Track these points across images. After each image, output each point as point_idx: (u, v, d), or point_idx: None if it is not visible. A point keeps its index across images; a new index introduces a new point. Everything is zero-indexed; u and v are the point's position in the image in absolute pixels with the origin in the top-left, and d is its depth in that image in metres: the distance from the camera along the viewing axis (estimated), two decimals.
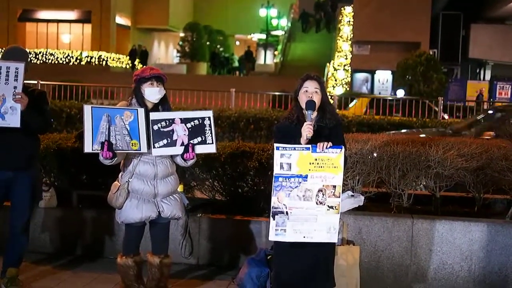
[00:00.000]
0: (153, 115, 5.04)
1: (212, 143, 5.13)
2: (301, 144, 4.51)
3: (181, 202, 5.32)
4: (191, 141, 5.05)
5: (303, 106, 4.70)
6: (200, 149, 5.11)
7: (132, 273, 5.24)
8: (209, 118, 5.13)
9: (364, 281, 5.74)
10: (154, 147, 5.00)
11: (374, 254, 6.15)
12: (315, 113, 4.65)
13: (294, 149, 4.47)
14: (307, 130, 4.51)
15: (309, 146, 4.47)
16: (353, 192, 6.28)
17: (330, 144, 4.46)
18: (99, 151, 4.86)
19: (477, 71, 36.74)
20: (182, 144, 5.06)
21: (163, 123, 5.04)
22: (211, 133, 5.12)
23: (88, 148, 4.88)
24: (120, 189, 5.13)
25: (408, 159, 6.46)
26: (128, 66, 41.02)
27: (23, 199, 5.66)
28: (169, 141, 5.04)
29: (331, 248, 4.78)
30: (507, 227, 6.03)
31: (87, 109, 4.92)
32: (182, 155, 5.06)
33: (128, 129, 4.95)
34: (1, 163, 5.48)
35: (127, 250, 5.28)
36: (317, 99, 4.68)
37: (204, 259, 6.75)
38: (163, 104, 5.21)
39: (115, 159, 4.92)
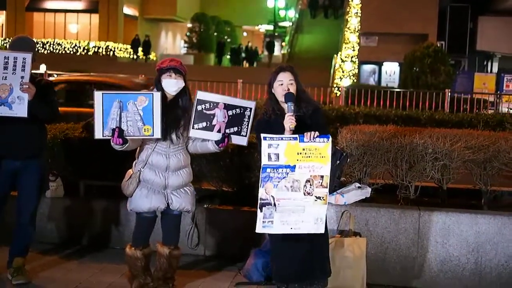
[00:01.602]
0: (200, 95, 5.04)
1: (246, 135, 5.17)
2: None
3: (192, 195, 5.31)
4: (228, 130, 5.08)
5: (280, 99, 4.70)
6: (234, 140, 5.15)
7: (140, 264, 5.25)
8: (250, 109, 5.14)
9: (371, 272, 5.74)
10: (193, 127, 5.03)
11: (381, 246, 6.15)
12: (294, 104, 4.62)
13: (282, 139, 4.44)
14: (289, 122, 4.51)
15: (297, 136, 4.44)
16: (360, 184, 6.29)
17: (317, 133, 4.43)
18: (110, 137, 4.86)
19: (485, 63, 36.61)
20: (219, 130, 5.07)
21: (207, 105, 5.04)
22: (247, 125, 5.14)
23: (98, 134, 4.89)
24: (132, 177, 5.15)
25: (415, 151, 6.44)
26: (134, 56, 40.97)
27: (30, 189, 5.69)
28: (208, 124, 5.06)
29: (325, 238, 4.78)
30: None
31: (97, 95, 4.89)
32: (217, 143, 5.08)
33: (141, 114, 4.91)
34: (8, 152, 5.51)
35: (137, 241, 5.29)
36: (293, 90, 4.67)
37: (210, 250, 6.76)
38: (182, 96, 5.17)
39: (126, 145, 4.92)
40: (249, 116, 5.13)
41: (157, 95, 4.94)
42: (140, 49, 40.89)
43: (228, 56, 44.79)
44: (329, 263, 4.82)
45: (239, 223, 6.66)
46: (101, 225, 7.00)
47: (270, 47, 41.90)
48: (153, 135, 4.96)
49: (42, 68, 22.27)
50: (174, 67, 5.09)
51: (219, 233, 6.75)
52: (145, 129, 4.93)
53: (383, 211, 6.17)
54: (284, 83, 4.69)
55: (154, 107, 4.93)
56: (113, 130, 4.85)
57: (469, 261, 6.05)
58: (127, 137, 4.89)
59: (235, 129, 5.12)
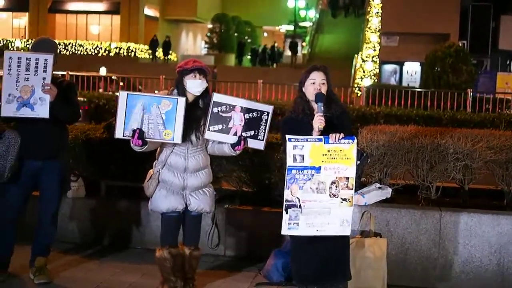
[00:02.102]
0: (216, 97, 5.02)
1: (263, 140, 5.12)
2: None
3: (211, 196, 5.30)
4: (244, 134, 5.04)
5: (310, 98, 4.67)
6: (250, 144, 5.11)
7: (169, 265, 5.21)
8: (268, 113, 5.09)
9: (392, 273, 5.71)
10: (208, 129, 5.01)
11: (402, 246, 6.11)
12: (324, 105, 4.60)
13: (307, 140, 4.42)
14: (318, 122, 4.48)
15: (322, 137, 4.42)
16: (380, 184, 6.26)
17: (342, 135, 4.42)
18: (130, 138, 4.88)
19: (507, 63, 36.30)
20: (235, 133, 5.05)
21: (224, 108, 5.01)
22: (264, 129, 5.10)
23: (119, 134, 4.91)
24: (152, 178, 5.17)
25: (436, 151, 6.41)
26: (150, 57, 41.13)
27: (52, 189, 5.73)
28: (224, 127, 5.03)
29: (347, 241, 4.76)
30: None
31: (122, 95, 4.92)
32: (233, 146, 5.07)
33: (164, 118, 4.91)
34: (31, 153, 5.54)
35: (164, 241, 5.28)
36: (324, 90, 4.65)
37: (230, 250, 6.77)
38: (204, 97, 5.16)
39: (145, 147, 4.94)
40: (266, 120, 5.08)
41: (181, 100, 4.95)
42: (160, 49, 41.03)
43: (249, 57, 44.80)
44: (349, 267, 4.80)
45: (259, 224, 6.67)
46: (122, 225, 7.03)
47: (293, 48, 41.76)
48: (173, 140, 4.97)
49: (103, 71, 22.54)
50: (199, 67, 5.10)
51: (239, 233, 6.76)
52: (165, 133, 4.94)
53: (404, 211, 6.14)
54: (316, 82, 4.68)
55: (177, 112, 4.93)
56: (134, 131, 4.87)
57: (491, 262, 6.00)
58: (146, 139, 4.91)
59: (252, 132, 5.08)
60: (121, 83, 19.47)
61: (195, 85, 5.10)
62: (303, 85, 4.75)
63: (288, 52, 46.56)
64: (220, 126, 5.03)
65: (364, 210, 5.90)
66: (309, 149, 4.41)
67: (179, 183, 5.13)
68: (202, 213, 5.27)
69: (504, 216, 6.01)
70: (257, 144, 5.15)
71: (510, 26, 33.03)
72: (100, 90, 17.98)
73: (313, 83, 4.68)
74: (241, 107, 5.05)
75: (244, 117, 5.05)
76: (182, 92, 5.11)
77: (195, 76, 5.08)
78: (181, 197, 5.15)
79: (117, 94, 15.03)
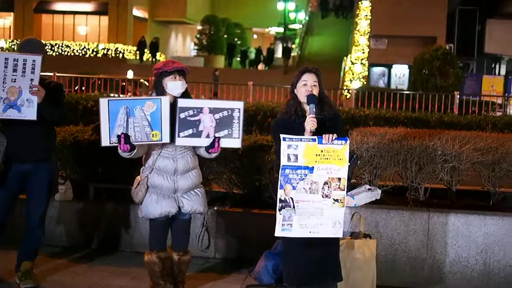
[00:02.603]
0: (181, 102, 4.94)
1: (238, 137, 5.02)
2: None
3: (203, 196, 5.27)
4: (217, 134, 4.96)
5: (302, 99, 4.67)
6: (225, 143, 5.01)
7: (158, 269, 5.19)
8: (239, 110, 5.00)
9: (381, 274, 5.73)
10: (178, 136, 4.93)
11: (391, 247, 6.14)
12: (316, 106, 4.60)
13: (301, 140, 4.44)
14: (311, 123, 4.49)
15: (315, 137, 4.44)
16: (370, 186, 6.28)
17: (335, 135, 4.44)
18: (117, 144, 4.84)
19: (493, 66, 36.54)
20: (208, 136, 4.96)
21: (191, 112, 4.92)
22: (238, 126, 5.00)
23: (105, 142, 4.88)
24: (140, 184, 5.11)
25: (425, 153, 6.44)
26: (146, 58, 41.01)
27: (39, 192, 5.68)
28: (194, 131, 4.94)
29: (337, 242, 4.77)
30: None
31: (103, 102, 4.88)
32: (207, 149, 5.02)
33: (149, 119, 4.87)
34: (18, 155, 5.49)
35: (152, 246, 5.26)
36: (316, 92, 4.66)
37: (221, 252, 6.76)
38: (184, 98, 5.10)
39: (134, 151, 4.89)
40: (238, 117, 4.98)
41: (165, 100, 4.91)
42: (146, 50, 40.91)
43: (238, 59, 44.75)
44: (340, 269, 4.81)
45: (249, 226, 6.67)
46: (111, 228, 7.00)
47: (286, 53, 41.66)
48: (161, 140, 4.92)
49: (130, 75, 22.40)
50: (179, 69, 5.06)
51: (230, 235, 6.76)
52: (153, 134, 4.90)
53: (393, 213, 6.16)
54: (308, 84, 4.68)
55: (162, 112, 4.89)
56: (119, 136, 4.82)
57: (477, 262, 6.04)
58: (134, 143, 4.86)
59: (226, 132, 4.98)
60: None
61: (176, 86, 5.05)
62: (295, 87, 4.76)
63: (277, 54, 46.61)
64: (190, 131, 4.93)
65: (354, 211, 5.91)
66: (303, 149, 4.43)
67: (170, 186, 5.08)
68: (194, 214, 5.24)
69: (491, 216, 6.06)
70: (233, 143, 5.04)
71: (496, 30, 33.25)
72: (129, 94, 17.86)
73: (305, 84, 4.69)
74: (209, 108, 4.95)
75: (214, 118, 4.95)
76: (162, 93, 5.05)
77: (175, 78, 5.04)
78: (173, 200, 5.11)
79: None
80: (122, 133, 4.82)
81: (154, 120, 4.89)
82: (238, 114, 5.00)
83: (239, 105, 5.03)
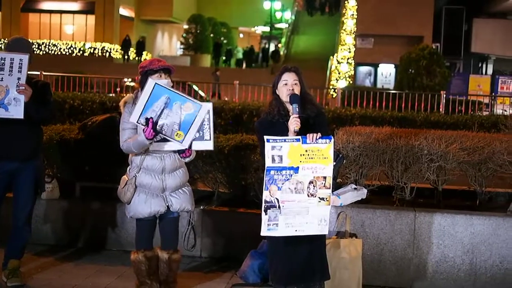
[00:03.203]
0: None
1: (210, 139, 4.97)
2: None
3: (191, 194, 5.27)
4: None
5: (284, 99, 4.67)
6: (197, 146, 4.98)
7: (144, 268, 5.18)
8: (208, 111, 4.94)
9: (367, 273, 5.76)
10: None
11: (377, 247, 6.16)
12: (298, 106, 4.60)
13: (285, 140, 4.43)
14: (294, 124, 4.49)
15: (299, 137, 4.43)
16: (356, 185, 6.30)
17: (319, 135, 4.44)
18: (143, 126, 4.78)
19: (479, 65, 36.73)
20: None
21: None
22: (209, 128, 4.95)
23: (134, 118, 4.80)
24: (128, 183, 5.09)
25: (411, 152, 6.47)
26: (132, 57, 40.87)
27: (26, 190, 5.67)
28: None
29: (323, 241, 4.77)
30: (508, 221, 6.03)
31: (150, 82, 4.81)
32: (179, 153, 5.03)
33: (182, 119, 4.83)
34: (5, 153, 5.49)
35: (139, 245, 5.25)
36: (297, 90, 4.66)
37: (207, 251, 6.77)
38: None
39: (151, 141, 4.85)
40: (208, 119, 4.94)
41: (204, 107, 4.87)
42: (132, 49, 40.76)
43: (224, 57, 44.70)
44: (327, 267, 4.81)
45: (235, 225, 6.67)
46: (97, 227, 6.99)
47: (274, 56, 41.55)
48: (181, 142, 4.88)
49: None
50: (165, 67, 5.05)
51: (216, 234, 6.76)
52: (177, 133, 4.85)
53: (379, 212, 6.19)
54: (288, 83, 4.68)
55: (197, 118, 4.85)
56: (147, 119, 4.76)
57: (464, 262, 6.07)
58: (159, 134, 4.82)
59: (196, 134, 4.93)
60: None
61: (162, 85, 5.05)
62: (276, 87, 4.76)
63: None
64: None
65: (340, 210, 5.93)
66: (287, 149, 4.43)
67: (158, 185, 5.07)
68: (183, 212, 5.23)
69: (477, 216, 6.09)
70: (205, 145, 5.01)
71: (482, 29, 33.43)
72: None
73: (286, 84, 4.69)
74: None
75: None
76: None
77: (160, 76, 5.02)
78: (162, 199, 5.10)
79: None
80: (151, 117, 4.76)
81: (185, 122, 4.84)
82: (208, 115, 4.95)
83: (208, 106, 4.98)
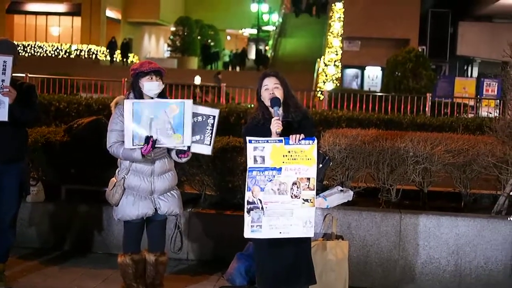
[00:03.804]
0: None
1: (210, 144, 5.03)
2: None
3: (179, 198, 5.27)
4: None
5: (267, 103, 4.68)
6: (195, 148, 5.02)
7: (131, 271, 5.17)
8: (213, 117, 5.02)
9: (353, 275, 5.77)
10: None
11: (363, 248, 6.18)
12: (281, 109, 4.61)
13: (267, 141, 4.42)
14: (276, 126, 4.48)
15: (282, 138, 4.42)
16: (342, 187, 6.32)
17: (302, 136, 4.43)
18: (140, 147, 4.82)
19: (465, 68, 36.91)
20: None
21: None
22: (211, 133, 5.02)
23: (128, 144, 4.83)
24: (116, 185, 5.08)
25: (397, 154, 6.50)
26: (118, 60, 40.71)
27: (11, 193, 5.62)
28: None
29: (309, 243, 4.76)
30: (493, 222, 6.08)
31: (128, 104, 4.82)
32: (177, 153, 5.03)
33: (172, 123, 4.86)
34: None
35: (126, 248, 5.23)
36: (279, 94, 4.66)
37: (193, 254, 6.76)
38: (161, 98, 5.09)
39: (144, 158, 4.91)
40: (212, 124, 5.00)
41: (188, 103, 4.90)
42: (118, 51, 40.60)
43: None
44: (313, 270, 4.81)
45: (222, 227, 6.67)
46: (83, 230, 6.96)
47: (262, 60, 41.45)
48: (183, 143, 4.92)
49: (197, 80, 21.90)
50: (155, 69, 5.05)
51: (202, 237, 6.75)
52: (175, 137, 4.89)
53: (365, 214, 6.20)
54: (269, 88, 4.69)
55: (185, 115, 4.87)
56: (148, 138, 4.80)
57: (449, 263, 6.10)
58: (156, 146, 4.86)
59: (198, 137, 4.99)
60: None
61: (152, 87, 5.03)
62: (259, 93, 4.77)
63: (251, 56, 46.60)
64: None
65: (327, 213, 5.95)
66: (270, 150, 4.42)
67: (147, 187, 5.07)
68: (170, 215, 5.23)
69: (462, 218, 6.12)
70: (204, 149, 5.06)
71: (468, 32, 33.57)
72: (198, 100, 17.58)
73: (267, 89, 4.69)
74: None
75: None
76: (139, 94, 5.05)
77: (151, 78, 5.03)
78: (150, 202, 5.09)
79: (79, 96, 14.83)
80: (151, 136, 4.80)
81: (176, 123, 4.87)
82: (213, 121, 5.02)
83: (214, 112, 5.05)
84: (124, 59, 39.87)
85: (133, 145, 4.83)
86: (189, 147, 4.98)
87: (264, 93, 4.70)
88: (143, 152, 4.83)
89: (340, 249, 5.60)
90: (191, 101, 4.96)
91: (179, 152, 5.02)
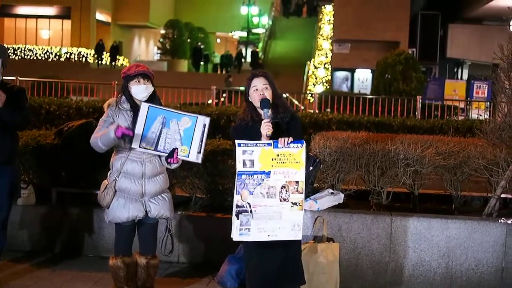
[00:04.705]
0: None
1: (199, 152, 5.05)
2: None
3: (170, 201, 5.27)
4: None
5: (256, 104, 4.68)
6: (184, 157, 5.04)
7: (122, 274, 5.17)
8: (204, 125, 5.04)
9: (344, 278, 5.78)
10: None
11: (354, 251, 6.19)
12: (270, 110, 4.62)
13: (256, 145, 4.43)
14: (266, 128, 4.49)
15: (271, 141, 4.43)
16: (333, 190, 6.33)
17: (291, 139, 4.44)
18: (146, 149, 4.94)
19: (455, 70, 37.07)
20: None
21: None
22: (201, 142, 5.04)
23: (135, 144, 4.92)
24: (108, 187, 5.08)
25: (387, 157, 6.51)
26: (106, 62, 40.59)
27: (1, 196, 5.60)
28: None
29: (299, 246, 4.77)
30: (483, 224, 6.09)
31: (144, 107, 4.91)
32: (166, 158, 5.04)
33: (182, 134, 4.95)
34: None
35: (118, 250, 5.23)
36: (268, 94, 4.67)
37: (184, 256, 6.75)
38: (152, 102, 5.08)
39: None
40: (203, 132, 5.02)
41: (201, 119, 4.99)
42: (105, 54, 40.49)
43: (202, 63, 44.52)
44: (303, 272, 4.82)
45: (213, 230, 6.66)
46: (74, 233, 6.94)
47: (255, 58, 41.46)
48: (187, 156, 4.99)
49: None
50: (142, 72, 5.05)
51: (193, 239, 6.75)
52: (181, 149, 4.97)
53: (356, 216, 6.21)
54: (259, 88, 4.69)
55: (196, 130, 4.97)
56: (172, 151, 4.94)
57: (440, 266, 6.11)
58: (162, 153, 4.97)
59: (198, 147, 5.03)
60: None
61: (139, 90, 5.04)
62: (248, 94, 4.77)
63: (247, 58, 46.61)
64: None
65: (317, 215, 5.96)
66: (259, 154, 4.43)
67: (137, 190, 5.07)
68: (161, 219, 5.23)
69: (453, 220, 6.14)
70: (193, 157, 5.07)
71: (458, 34, 33.74)
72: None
73: (256, 89, 4.69)
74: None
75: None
76: (129, 97, 5.07)
77: (138, 81, 5.04)
78: (141, 204, 5.09)
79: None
80: (176, 148, 4.93)
81: (186, 136, 4.97)
82: (203, 129, 5.03)
83: (205, 120, 5.06)
84: (113, 62, 39.74)
85: (139, 147, 4.93)
86: (177, 153, 5.00)
87: (253, 93, 4.70)
88: (172, 162, 4.97)
89: (331, 252, 5.60)
90: (203, 117, 5.03)
91: (167, 158, 5.01)
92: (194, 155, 5.00)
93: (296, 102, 18.90)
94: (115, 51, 39.96)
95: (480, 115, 17.54)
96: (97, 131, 5.05)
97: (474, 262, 6.08)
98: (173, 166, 5.11)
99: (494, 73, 6.66)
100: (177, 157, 5.00)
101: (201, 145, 5.03)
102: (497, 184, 6.44)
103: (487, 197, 6.73)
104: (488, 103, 18.12)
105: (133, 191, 5.07)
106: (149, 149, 4.96)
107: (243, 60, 42.84)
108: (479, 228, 6.08)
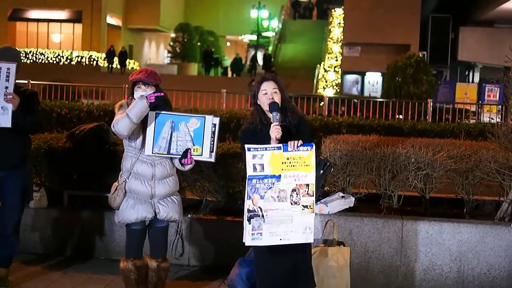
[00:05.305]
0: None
1: (212, 151, 5.14)
2: None
3: (179, 204, 5.29)
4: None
5: (265, 108, 4.69)
6: (198, 156, 5.12)
7: (133, 277, 5.17)
8: (214, 125, 5.13)
9: (355, 282, 5.77)
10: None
11: (365, 255, 6.18)
12: (279, 114, 4.62)
13: (266, 149, 4.44)
14: (275, 132, 4.49)
15: (280, 145, 4.44)
16: (343, 193, 6.32)
17: (300, 142, 4.44)
18: (159, 155, 5.04)
19: (466, 73, 36.92)
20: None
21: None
22: (213, 141, 5.13)
23: (148, 151, 5.02)
24: (118, 189, 5.11)
25: (398, 160, 6.50)
26: (118, 66, 40.67)
27: (14, 199, 5.64)
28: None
29: (309, 249, 4.77)
30: (495, 229, 6.07)
31: (151, 114, 4.99)
32: (180, 159, 5.07)
33: (192, 135, 5.05)
34: None
35: (129, 253, 5.24)
36: (277, 98, 4.68)
37: (195, 259, 6.76)
38: (163, 107, 5.10)
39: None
40: (213, 132, 5.11)
41: (209, 119, 5.09)
42: (116, 59, 40.57)
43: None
44: (313, 275, 4.81)
45: (223, 233, 6.67)
46: (85, 236, 6.97)
47: (267, 62, 41.43)
48: (201, 155, 5.09)
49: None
50: (140, 79, 5.08)
51: (203, 243, 6.75)
52: (194, 149, 5.06)
53: (367, 220, 6.20)
54: (268, 92, 4.70)
55: (205, 129, 5.08)
56: (186, 151, 5.02)
57: (451, 270, 6.09)
58: (175, 156, 5.05)
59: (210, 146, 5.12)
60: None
61: (139, 96, 5.07)
62: (257, 97, 4.78)
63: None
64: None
65: (328, 219, 5.95)
66: (269, 157, 4.43)
67: (147, 191, 5.09)
68: (170, 221, 5.25)
69: (464, 224, 6.12)
70: (207, 157, 5.16)
71: (469, 37, 33.63)
72: None
73: (265, 93, 4.70)
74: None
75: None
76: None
77: (140, 88, 5.09)
78: (150, 206, 5.10)
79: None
80: (189, 149, 5.02)
81: (197, 136, 5.07)
82: (214, 128, 5.13)
83: (215, 120, 5.15)
84: (123, 68, 39.77)
85: (152, 153, 5.01)
86: (191, 154, 5.06)
87: (262, 97, 4.71)
88: (186, 163, 5.06)
89: (342, 256, 5.59)
90: (211, 117, 5.12)
91: (181, 158, 5.05)
92: (207, 154, 5.09)
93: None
94: (124, 56, 40.02)
95: (492, 119, 17.47)
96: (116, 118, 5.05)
97: (486, 266, 6.05)
98: (187, 167, 5.15)
99: (506, 76, 6.64)
100: (191, 157, 5.05)
101: (212, 144, 5.12)
102: (509, 188, 6.42)
103: (499, 201, 6.70)
104: (500, 106, 18.04)
105: (143, 192, 5.09)
106: (163, 154, 5.02)
107: (257, 64, 42.84)
108: (491, 232, 6.05)
